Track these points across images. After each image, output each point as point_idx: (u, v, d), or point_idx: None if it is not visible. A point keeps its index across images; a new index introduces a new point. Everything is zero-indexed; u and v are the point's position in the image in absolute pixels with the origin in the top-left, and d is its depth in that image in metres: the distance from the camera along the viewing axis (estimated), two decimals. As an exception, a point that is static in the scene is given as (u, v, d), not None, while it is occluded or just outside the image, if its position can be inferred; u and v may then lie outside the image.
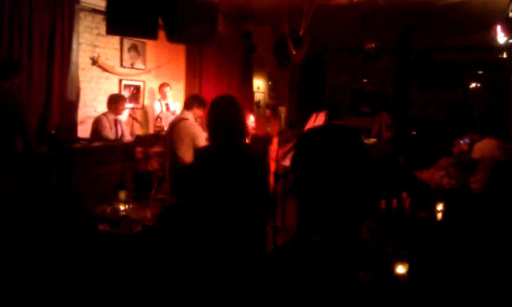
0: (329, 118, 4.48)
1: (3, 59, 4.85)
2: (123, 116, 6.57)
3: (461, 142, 6.22)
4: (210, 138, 3.01)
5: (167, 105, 7.37)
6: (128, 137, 6.22)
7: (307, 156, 4.51)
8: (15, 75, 4.47)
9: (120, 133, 6.08)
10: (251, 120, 6.66)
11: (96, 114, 6.47)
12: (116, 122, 6.08)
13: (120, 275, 3.76)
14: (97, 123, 5.99)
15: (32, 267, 3.80)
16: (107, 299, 3.66)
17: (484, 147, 5.76)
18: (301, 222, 5.72)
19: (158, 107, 7.20)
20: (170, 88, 7.54)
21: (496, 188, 5.36)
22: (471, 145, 6.20)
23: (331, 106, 4.46)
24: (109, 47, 6.93)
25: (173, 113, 7.03)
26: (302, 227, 5.63)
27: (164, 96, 7.38)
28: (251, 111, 7.58)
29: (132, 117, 6.49)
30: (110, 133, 5.96)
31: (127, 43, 7.15)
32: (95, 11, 6.45)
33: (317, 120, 7.55)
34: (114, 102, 6.14)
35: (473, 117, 10.66)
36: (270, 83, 10.88)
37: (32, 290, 3.59)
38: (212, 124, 2.96)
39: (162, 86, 7.43)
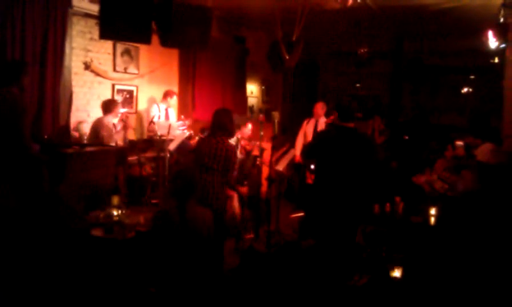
0: (340, 119, 4.49)
1: (7, 63, 4.81)
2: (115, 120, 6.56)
3: (459, 143, 6.26)
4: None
5: (166, 110, 7.37)
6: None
7: (318, 158, 4.57)
8: (21, 78, 4.44)
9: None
10: (248, 128, 6.71)
11: (89, 119, 6.45)
12: (114, 125, 6.18)
13: (113, 281, 3.75)
14: (100, 125, 6.05)
15: (24, 272, 3.77)
16: (101, 304, 3.64)
17: (486, 151, 5.85)
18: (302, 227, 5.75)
19: (155, 111, 7.17)
20: (177, 97, 7.70)
21: (487, 192, 5.38)
22: (467, 149, 6.23)
23: (341, 108, 4.46)
24: (102, 52, 6.90)
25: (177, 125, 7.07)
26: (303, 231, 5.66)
27: (168, 104, 7.41)
28: (248, 119, 7.62)
29: (122, 120, 6.45)
30: (106, 134, 6.02)
31: (120, 47, 7.13)
32: (87, 15, 6.43)
33: (309, 125, 7.61)
34: (115, 106, 6.32)
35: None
36: (263, 88, 10.90)
37: (25, 294, 3.56)
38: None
39: (169, 93, 7.46)
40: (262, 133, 6.39)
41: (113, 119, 6.25)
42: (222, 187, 4.49)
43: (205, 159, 4.42)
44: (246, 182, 5.90)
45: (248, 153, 6.55)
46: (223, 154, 4.41)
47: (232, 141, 5.54)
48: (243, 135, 6.68)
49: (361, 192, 4.33)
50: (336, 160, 4.33)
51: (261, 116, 6.26)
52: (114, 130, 6.10)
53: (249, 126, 6.76)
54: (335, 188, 4.32)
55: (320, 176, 4.55)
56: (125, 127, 6.46)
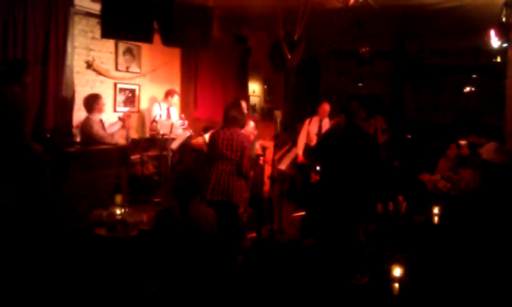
0: (347, 119, 4.63)
1: (9, 62, 4.81)
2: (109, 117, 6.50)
3: (463, 142, 6.26)
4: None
5: (168, 110, 7.37)
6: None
7: (324, 156, 4.64)
8: (23, 76, 4.44)
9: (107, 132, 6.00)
10: (250, 126, 6.70)
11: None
12: (101, 122, 5.98)
13: (116, 279, 3.74)
14: (87, 125, 5.82)
15: (27, 271, 3.77)
16: (103, 303, 3.64)
17: (490, 149, 5.85)
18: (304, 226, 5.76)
19: (157, 110, 7.17)
20: (178, 96, 7.69)
21: (490, 190, 5.38)
22: (471, 148, 6.22)
23: (348, 109, 4.57)
24: (104, 51, 6.89)
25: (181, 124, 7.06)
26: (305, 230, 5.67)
27: (169, 103, 7.42)
28: (251, 117, 7.61)
29: (120, 119, 6.35)
30: (102, 132, 5.86)
31: (122, 46, 7.13)
32: (89, 14, 6.42)
33: (311, 124, 7.61)
34: (96, 103, 5.91)
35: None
36: (265, 87, 10.90)
37: (27, 294, 3.56)
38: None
39: (170, 92, 7.47)
40: (256, 131, 6.40)
41: (99, 115, 5.97)
42: (236, 176, 4.72)
43: (223, 150, 4.69)
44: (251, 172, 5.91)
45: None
46: (239, 144, 4.70)
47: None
48: (245, 133, 6.67)
49: (366, 191, 4.35)
50: (342, 158, 4.38)
51: (256, 115, 6.26)
52: (102, 127, 5.92)
53: (251, 123, 6.74)
54: (341, 186, 4.34)
55: (326, 174, 4.58)
56: (124, 126, 6.31)
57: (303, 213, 6.60)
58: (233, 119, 4.78)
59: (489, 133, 6.47)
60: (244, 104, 5.94)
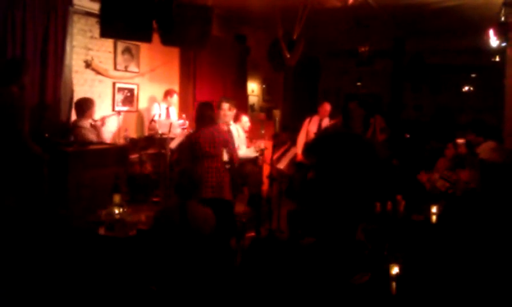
0: (344, 119, 4.74)
1: (7, 61, 4.80)
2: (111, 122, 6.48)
3: (461, 141, 6.26)
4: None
5: (167, 110, 7.37)
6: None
7: (321, 156, 4.67)
8: (22, 76, 4.44)
9: (100, 135, 5.96)
10: (244, 120, 6.70)
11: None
12: (92, 126, 5.90)
13: (114, 279, 3.75)
14: (79, 134, 5.72)
15: (25, 271, 3.78)
16: (102, 302, 3.64)
17: (488, 149, 5.84)
18: (295, 225, 5.76)
19: (156, 110, 7.17)
20: (177, 96, 7.70)
21: (488, 190, 5.38)
22: (469, 146, 6.22)
23: (345, 109, 4.63)
24: (103, 50, 6.89)
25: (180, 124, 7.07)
26: (296, 229, 5.67)
27: (169, 103, 7.43)
28: (246, 112, 7.60)
29: (93, 120, 6.24)
30: (95, 138, 5.81)
31: (121, 46, 7.12)
32: (88, 14, 6.42)
33: (311, 124, 7.62)
34: (89, 108, 5.85)
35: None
36: (264, 86, 10.89)
37: (26, 294, 3.57)
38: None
39: (169, 92, 7.48)
40: (263, 131, 6.37)
41: (88, 121, 5.86)
42: (223, 172, 4.97)
43: (206, 148, 4.91)
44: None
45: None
46: (221, 140, 5.00)
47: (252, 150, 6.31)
48: (242, 127, 6.66)
49: (362, 191, 4.36)
50: (335, 158, 4.39)
51: (262, 114, 6.25)
52: (93, 131, 5.85)
53: (245, 118, 6.74)
54: (334, 186, 4.35)
55: (320, 174, 4.59)
56: (96, 127, 6.16)
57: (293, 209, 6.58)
58: (210, 118, 5.08)
59: (486, 132, 6.46)
60: (226, 105, 6.00)
